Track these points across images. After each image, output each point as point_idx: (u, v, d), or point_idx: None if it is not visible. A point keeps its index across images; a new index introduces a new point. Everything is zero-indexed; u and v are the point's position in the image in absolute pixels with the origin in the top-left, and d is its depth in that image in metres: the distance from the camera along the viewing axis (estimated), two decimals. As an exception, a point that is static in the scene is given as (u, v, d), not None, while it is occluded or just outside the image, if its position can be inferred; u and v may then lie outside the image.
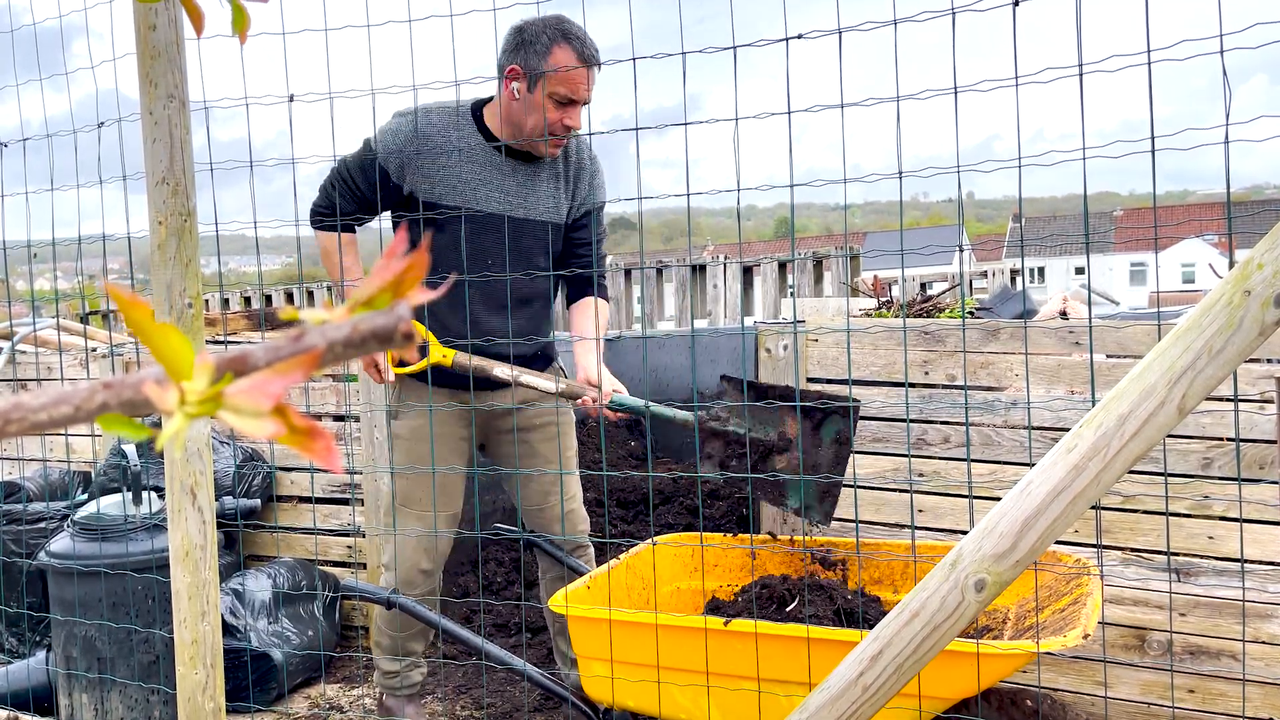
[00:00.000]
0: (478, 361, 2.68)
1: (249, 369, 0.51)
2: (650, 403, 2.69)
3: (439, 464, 2.84)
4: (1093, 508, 1.74)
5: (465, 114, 2.81)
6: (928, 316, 3.95)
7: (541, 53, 2.62)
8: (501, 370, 2.69)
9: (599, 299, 2.95)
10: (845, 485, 2.87)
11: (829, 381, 3.33)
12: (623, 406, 2.70)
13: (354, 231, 2.88)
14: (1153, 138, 1.67)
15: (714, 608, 2.64)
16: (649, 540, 2.87)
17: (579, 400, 2.72)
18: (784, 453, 2.65)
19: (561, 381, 2.73)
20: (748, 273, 7.50)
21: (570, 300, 3.04)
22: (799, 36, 1.88)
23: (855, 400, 2.64)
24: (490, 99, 2.83)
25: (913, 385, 3.21)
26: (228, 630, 3.36)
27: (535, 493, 3.03)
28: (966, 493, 3.06)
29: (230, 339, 5.05)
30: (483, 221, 2.76)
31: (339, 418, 4.03)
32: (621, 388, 2.77)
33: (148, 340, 0.50)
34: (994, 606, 2.55)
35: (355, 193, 2.82)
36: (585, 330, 2.86)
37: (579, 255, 2.95)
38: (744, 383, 2.70)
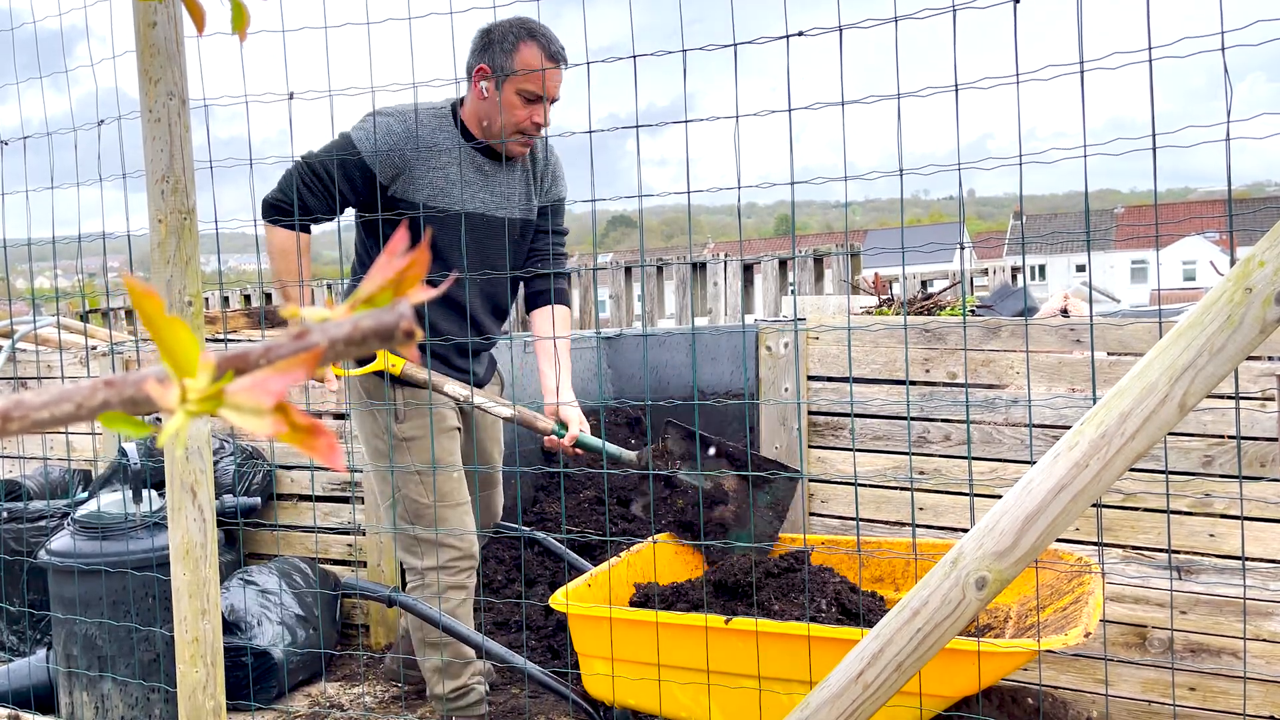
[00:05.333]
0: (427, 376, 2.70)
1: (250, 367, 0.51)
2: (606, 443, 2.80)
3: (456, 455, 2.90)
4: (1094, 505, 1.74)
5: (447, 115, 2.80)
6: (928, 314, 3.95)
7: (509, 50, 2.66)
8: (453, 388, 2.71)
9: (558, 305, 2.97)
10: (847, 484, 2.87)
11: (830, 379, 3.33)
12: (585, 446, 2.77)
13: (310, 232, 2.80)
14: (1154, 135, 1.66)
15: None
16: (649, 538, 2.87)
17: (543, 436, 2.78)
18: (720, 504, 2.73)
19: (518, 409, 2.75)
20: (748, 270, 7.50)
21: (530, 304, 3.03)
22: (800, 34, 1.88)
23: (798, 472, 2.74)
24: (463, 99, 2.84)
25: (913, 383, 3.21)
26: (228, 628, 3.36)
27: (481, 490, 3.18)
28: (967, 491, 3.06)
29: (230, 337, 5.05)
30: (472, 220, 2.78)
31: (339, 416, 4.03)
32: (584, 421, 2.81)
33: (156, 332, 0.50)
34: (995, 604, 2.56)
35: (326, 191, 2.72)
36: (549, 344, 2.88)
37: (539, 253, 2.96)
38: (689, 431, 2.83)
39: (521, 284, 3.05)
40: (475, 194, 2.79)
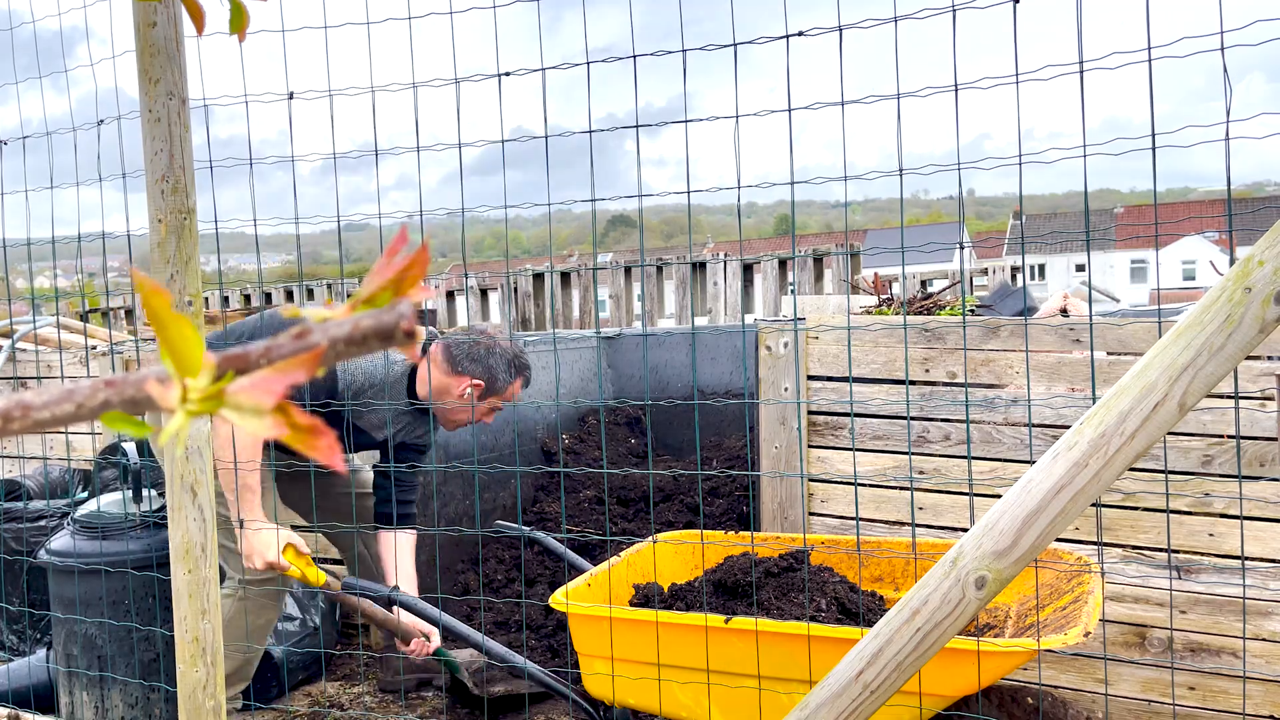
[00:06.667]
0: (351, 600, 2.96)
1: (251, 367, 0.51)
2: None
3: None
4: (1093, 505, 1.74)
5: (403, 383, 3.18)
6: (928, 314, 3.95)
7: (504, 385, 3.13)
8: (367, 605, 2.99)
9: (409, 530, 3.38)
10: (847, 483, 2.87)
11: (829, 379, 3.33)
12: (439, 654, 3.11)
13: None
14: (1153, 135, 1.66)
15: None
16: (650, 538, 2.87)
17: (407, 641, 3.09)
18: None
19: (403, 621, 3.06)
20: (748, 270, 7.50)
21: (384, 521, 3.38)
22: (800, 34, 1.88)
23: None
24: (415, 368, 3.17)
25: (913, 383, 3.21)
26: (228, 628, 3.36)
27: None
28: (967, 490, 3.06)
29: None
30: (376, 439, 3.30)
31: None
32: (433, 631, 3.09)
33: (162, 329, 0.50)
34: (995, 604, 2.56)
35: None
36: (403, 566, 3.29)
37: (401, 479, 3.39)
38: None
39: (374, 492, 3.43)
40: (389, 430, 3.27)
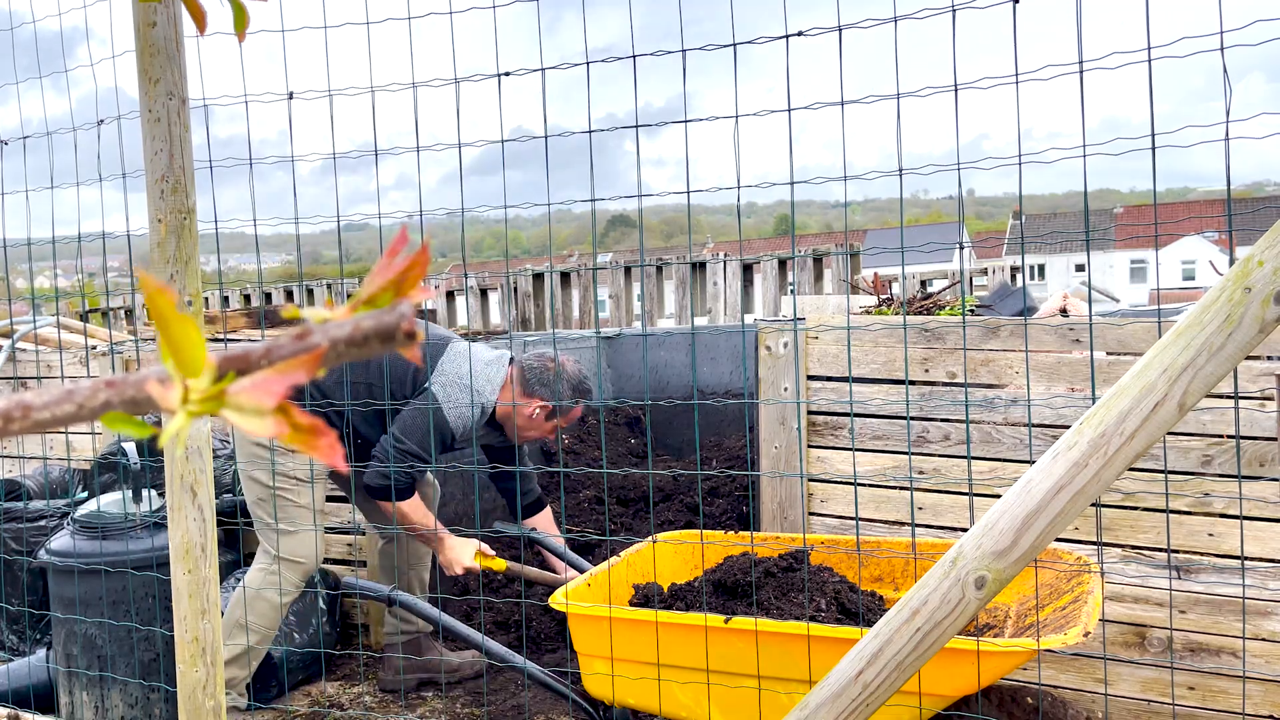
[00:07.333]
0: (522, 568, 3.37)
1: (251, 367, 0.51)
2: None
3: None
4: (1093, 505, 1.74)
5: (490, 416, 3.43)
6: (928, 314, 3.95)
7: (567, 408, 3.43)
8: (529, 570, 3.38)
9: (546, 509, 3.74)
10: (847, 483, 2.87)
11: (829, 379, 3.33)
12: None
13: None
14: (1153, 135, 1.66)
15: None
16: (649, 538, 2.87)
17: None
18: None
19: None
20: (748, 270, 7.50)
21: (526, 513, 3.72)
22: (799, 34, 1.88)
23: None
24: (497, 403, 3.43)
25: (913, 383, 3.21)
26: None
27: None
28: (967, 490, 3.06)
29: (230, 337, 5.05)
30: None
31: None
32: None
33: (166, 328, 0.50)
34: (994, 604, 2.56)
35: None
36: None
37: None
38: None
39: (501, 495, 3.79)
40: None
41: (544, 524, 3.65)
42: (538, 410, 3.40)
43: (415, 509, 3.32)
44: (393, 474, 3.20)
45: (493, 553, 3.36)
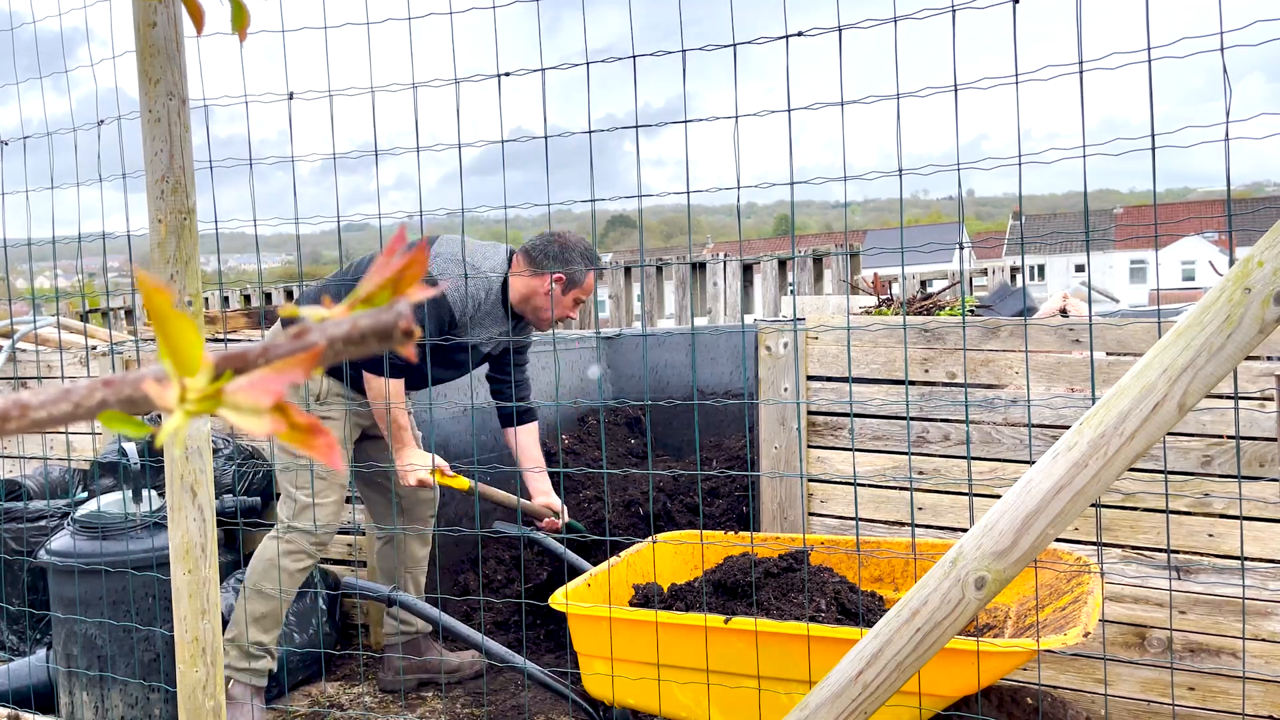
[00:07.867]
0: (486, 489, 3.42)
1: (249, 366, 0.51)
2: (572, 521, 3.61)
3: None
4: (1093, 505, 1.74)
5: (499, 292, 3.36)
6: (928, 314, 3.95)
7: (582, 275, 3.36)
8: (496, 493, 3.43)
9: (530, 423, 3.70)
10: (846, 484, 2.87)
11: (829, 379, 3.33)
12: (570, 527, 3.54)
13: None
14: (1153, 135, 1.66)
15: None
16: (649, 538, 2.87)
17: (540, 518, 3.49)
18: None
19: (520, 501, 3.46)
20: (748, 271, 7.50)
21: (504, 421, 3.73)
22: (799, 34, 1.88)
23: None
24: (507, 277, 3.37)
25: (913, 383, 3.21)
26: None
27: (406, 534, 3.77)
28: (967, 490, 3.06)
29: (230, 337, 5.05)
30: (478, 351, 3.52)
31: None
32: (563, 507, 3.55)
33: (163, 327, 0.50)
34: (994, 604, 2.56)
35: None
36: (534, 458, 3.64)
37: (506, 376, 3.71)
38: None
39: (493, 398, 3.77)
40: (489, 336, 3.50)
41: (528, 440, 3.61)
42: (553, 284, 3.33)
43: (397, 393, 3.27)
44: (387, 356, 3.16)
45: (452, 472, 3.34)
